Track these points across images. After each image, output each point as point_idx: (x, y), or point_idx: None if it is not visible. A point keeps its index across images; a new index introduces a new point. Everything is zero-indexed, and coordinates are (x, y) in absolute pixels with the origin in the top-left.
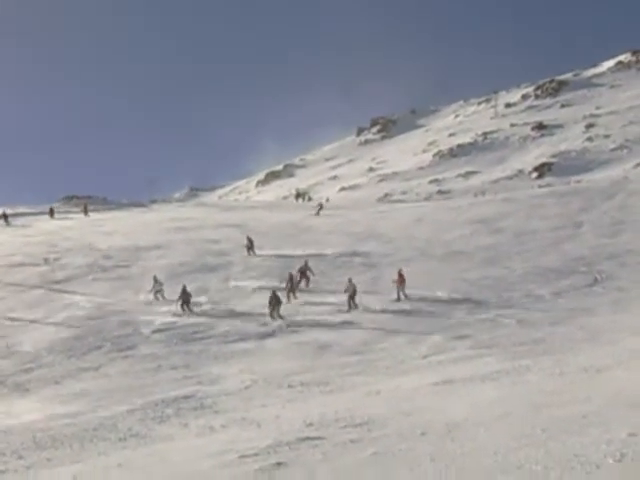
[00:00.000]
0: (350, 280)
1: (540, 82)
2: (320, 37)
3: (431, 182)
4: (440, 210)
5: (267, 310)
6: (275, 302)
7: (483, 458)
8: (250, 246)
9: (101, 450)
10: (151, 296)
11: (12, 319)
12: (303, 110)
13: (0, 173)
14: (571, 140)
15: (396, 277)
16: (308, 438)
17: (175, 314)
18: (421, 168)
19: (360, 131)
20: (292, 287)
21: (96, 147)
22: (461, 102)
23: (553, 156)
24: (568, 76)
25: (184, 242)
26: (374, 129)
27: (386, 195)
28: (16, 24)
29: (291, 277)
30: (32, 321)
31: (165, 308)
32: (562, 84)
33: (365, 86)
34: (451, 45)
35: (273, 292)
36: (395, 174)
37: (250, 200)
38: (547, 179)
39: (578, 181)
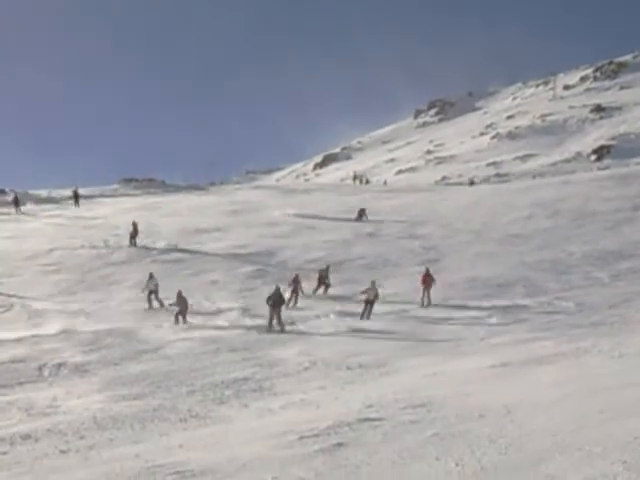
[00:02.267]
0: (373, 283)
1: (599, 64)
2: (379, 18)
3: (489, 165)
4: (498, 193)
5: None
6: (277, 302)
7: (542, 439)
8: (134, 235)
9: (162, 431)
10: (145, 298)
11: (71, 301)
12: (361, 92)
13: (61, 154)
14: (630, 122)
15: (420, 278)
16: (368, 419)
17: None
18: (479, 151)
19: (418, 113)
20: (296, 290)
21: (153, 130)
22: (519, 84)
23: (612, 138)
24: (627, 58)
25: (242, 225)
26: (432, 111)
27: (443, 178)
28: (79, 6)
29: (296, 279)
30: (93, 302)
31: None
32: (621, 66)
33: (423, 68)
34: (509, 26)
35: (277, 288)
36: (452, 157)
37: (309, 182)
38: (606, 162)
39: (638, 163)
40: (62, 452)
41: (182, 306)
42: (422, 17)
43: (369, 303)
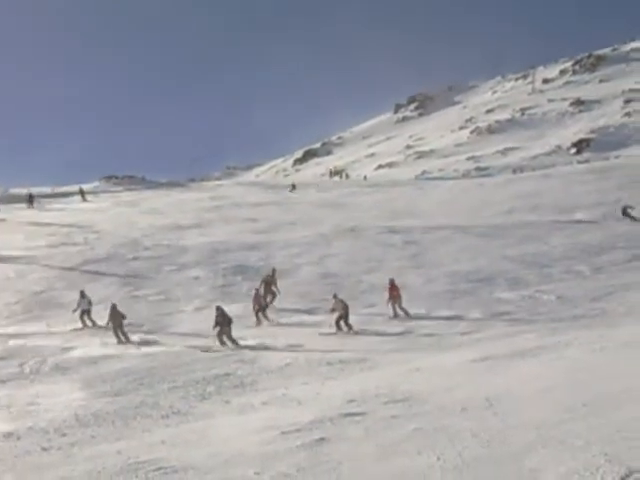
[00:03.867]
0: (335, 296)
1: (578, 57)
2: (360, 13)
3: (469, 159)
4: (478, 187)
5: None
6: (223, 322)
7: (524, 433)
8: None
9: (144, 427)
10: (77, 318)
11: (53, 299)
12: (340, 87)
13: (40, 152)
14: (609, 115)
15: (386, 290)
16: (350, 414)
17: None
18: (459, 145)
19: (397, 108)
20: (260, 306)
21: (133, 127)
22: (499, 78)
23: (592, 132)
24: (606, 51)
25: (222, 220)
26: (411, 106)
27: (423, 172)
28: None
29: (257, 294)
30: (71, 302)
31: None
32: (600, 59)
33: (403, 63)
34: (488, 20)
35: (218, 309)
36: (432, 151)
37: (289, 178)
38: (586, 155)
39: (617, 157)
40: (44, 450)
41: (116, 322)
42: (402, 12)
43: (341, 318)
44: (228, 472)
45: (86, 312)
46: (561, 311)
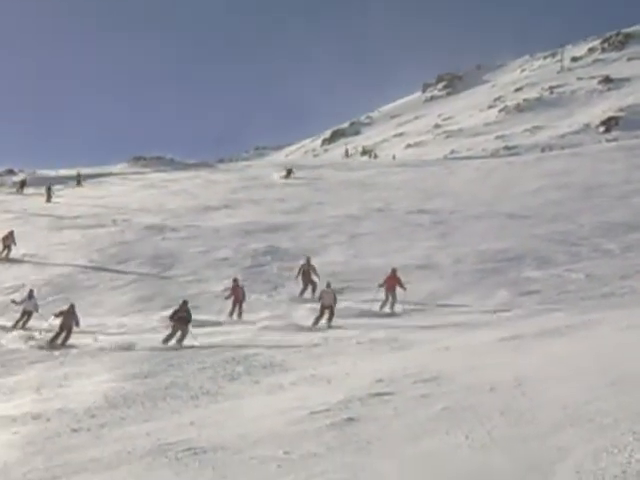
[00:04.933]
0: (329, 285)
1: (606, 35)
2: None
3: (497, 138)
4: (507, 166)
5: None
6: (182, 318)
7: (553, 412)
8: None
9: (173, 408)
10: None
11: (80, 281)
12: (369, 67)
13: (69, 133)
14: (638, 93)
15: (383, 279)
16: (378, 394)
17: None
18: (487, 124)
19: (426, 87)
20: (236, 301)
21: (162, 107)
22: (527, 57)
23: (620, 110)
24: (635, 28)
25: (251, 201)
26: (440, 85)
27: (452, 152)
28: None
29: (236, 287)
30: (98, 284)
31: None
32: (629, 37)
33: (431, 42)
34: None
35: (184, 303)
36: (461, 130)
37: (317, 158)
38: (614, 133)
39: None
40: (73, 431)
41: (66, 326)
42: None
43: (326, 308)
44: (257, 452)
45: (27, 314)
46: (590, 290)
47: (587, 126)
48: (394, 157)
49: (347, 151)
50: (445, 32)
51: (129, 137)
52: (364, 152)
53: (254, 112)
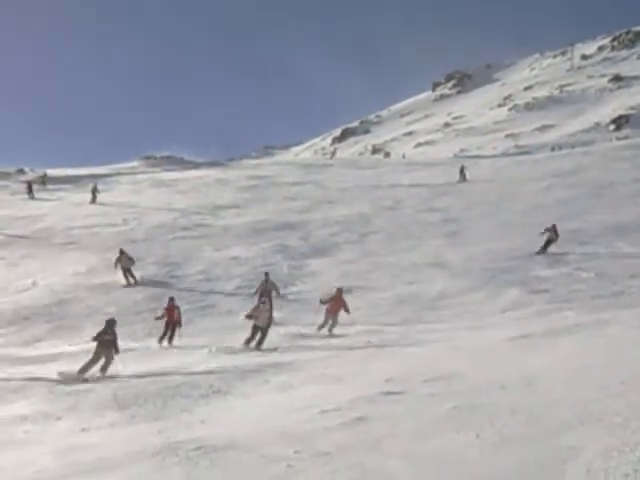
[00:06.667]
0: (264, 303)
1: (616, 33)
2: None
3: (507, 136)
4: (517, 164)
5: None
6: (103, 349)
7: (563, 410)
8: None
9: (184, 407)
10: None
11: (91, 279)
12: (379, 66)
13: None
14: None
15: (327, 300)
16: (389, 393)
17: None
18: (497, 122)
19: (435, 86)
20: (169, 327)
21: (173, 106)
22: (537, 55)
23: (631, 108)
24: None
25: (261, 200)
26: (449, 84)
27: (462, 150)
28: None
29: (171, 307)
30: (110, 282)
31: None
32: (639, 35)
33: (441, 41)
34: None
35: (110, 324)
36: (471, 129)
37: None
38: (625, 131)
39: None
40: (83, 430)
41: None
42: None
43: (258, 329)
44: (268, 451)
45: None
46: (600, 288)
47: (597, 124)
48: (404, 156)
49: (374, 150)
50: (455, 31)
51: (139, 136)
52: (374, 151)
53: (263, 112)
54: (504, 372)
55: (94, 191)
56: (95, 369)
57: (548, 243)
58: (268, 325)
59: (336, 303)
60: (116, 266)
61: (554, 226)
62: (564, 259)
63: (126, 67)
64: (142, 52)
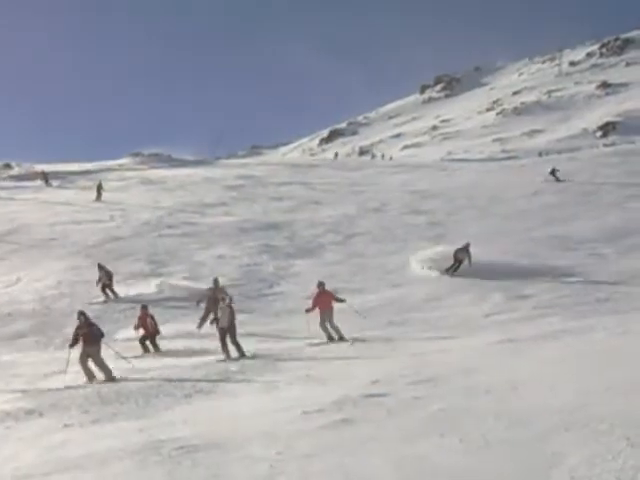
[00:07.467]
0: (224, 300)
1: (605, 40)
2: None
3: (495, 141)
4: (504, 169)
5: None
6: (86, 347)
7: (548, 416)
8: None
9: (166, 406)
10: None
11: (77, 275)
12: (367, 68)
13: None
14: (636, 99)
15: (313, 300)
16: (373, 395)
17: None
18: (485, 126)
19: (424, 89)
20: (146, 333)
21: (161, 104)
22: (525, 60)
23: (618, 115)
24: (633, 34)
25: (248, 199)
26: (438, 87)
27: (449, 153)
28: None
29: (144, 316)
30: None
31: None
32: (627, 42)
33: (429, 43)
34: (515, 2)
35: (82, 316)
36: (458, 132)
37: (314, 158)
38: (611, 138)
39: None
40: (66, 426)
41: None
42: None
43: (226, 332)
44: (250, 451)
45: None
46: (585, 294)
47: (585, 131)
48: (391, 158)
49: (362, 152)
50: (444, 34)
51: (127, 133)
52: (362, 152)
53: (251, 111)
54: (489, 376)
55: (99, 188)
56: (100, 376)
57: (459, 264)
58: (232, 324)
59: (324, 298)
60: (97, 284)
61: (467, 245)
62: (550, 264)
63: (114, 64)
64: (130, 49)
